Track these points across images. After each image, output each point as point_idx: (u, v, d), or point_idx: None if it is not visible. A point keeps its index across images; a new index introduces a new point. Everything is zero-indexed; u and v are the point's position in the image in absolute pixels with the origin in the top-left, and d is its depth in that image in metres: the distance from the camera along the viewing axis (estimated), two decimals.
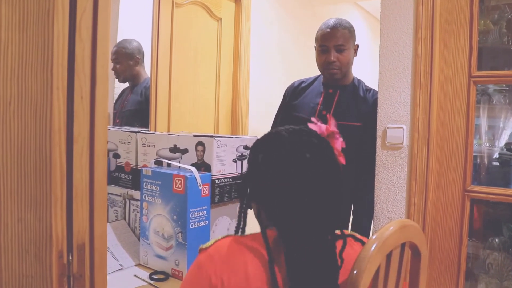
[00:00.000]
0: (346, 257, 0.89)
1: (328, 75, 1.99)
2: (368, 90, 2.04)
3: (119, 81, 2.29)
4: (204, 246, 0.93)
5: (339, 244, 0.91)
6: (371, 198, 1.88)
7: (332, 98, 2.00)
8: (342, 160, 0.97)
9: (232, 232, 1.50)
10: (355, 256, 0.97)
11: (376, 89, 1.98)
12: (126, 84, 2.34)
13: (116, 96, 2.30)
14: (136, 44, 2.27)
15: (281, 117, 2.18)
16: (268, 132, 1.01)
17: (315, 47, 2.04)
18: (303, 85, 2.13)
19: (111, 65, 2.23)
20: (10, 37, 0.66)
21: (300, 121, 2.01)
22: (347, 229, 1.76)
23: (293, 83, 2.18)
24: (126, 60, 2.24)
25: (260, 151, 0.96)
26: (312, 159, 0.90)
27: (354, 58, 2.06)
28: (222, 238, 0.94)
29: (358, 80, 2.08)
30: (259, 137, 1.02)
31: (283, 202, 0.89)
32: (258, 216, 1.00)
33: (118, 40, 2.21)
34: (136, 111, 2.29)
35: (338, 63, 1.95)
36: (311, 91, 2.08)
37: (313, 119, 1.01)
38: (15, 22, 0.66)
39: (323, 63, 1.97)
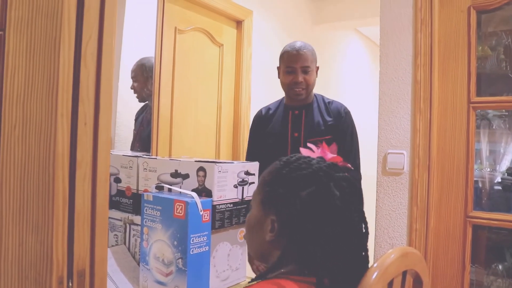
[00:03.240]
0: None
1: (293, 95, 2.06)
2: (330, 102, 2.10)
3: (138, 100, 2.30)
4: None
5: None
6: None
7: (300, 119, 2.07)
8: None
9: (232, 256, 1.49)
10: None
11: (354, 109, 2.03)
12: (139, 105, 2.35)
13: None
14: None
15: (253, 145, 2.21)
16: (299, 165, 0.93)
17: (278, 67, 2.11)
18: (270, 112, 2.19)
19: (130, 83, 2.25)
20: (17, 64, 0.67)
21: (272, 139, 2.05)
22: None
23: (260, 111, 2.23)
24: (144, 77, 2.27)
25: (303, 188, 0.90)
26: (353, 196, 0.90)
27: (323, 78, 2.14)
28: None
29: (319, 95, 2.14)
30: (286, 169, 0.94)
31: (329, 243, 0.86)
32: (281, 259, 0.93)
33: (121, 65, 2.24)
34: None
35: (305, 83, 2.02)
36: (278, 117, 2.14)
37: (309, 145, 1.01)
38: (22, 49, 0.67)
39: (290, 84, 2.04)
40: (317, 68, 2.11)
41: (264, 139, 2.15)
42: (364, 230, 0.91)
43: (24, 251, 0.66)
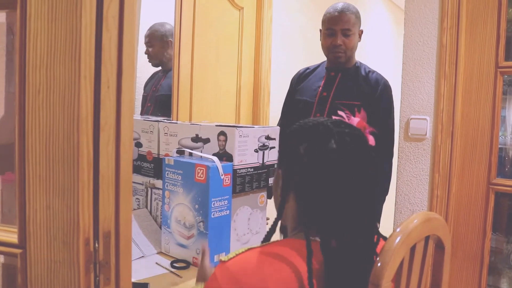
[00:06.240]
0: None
1: (333, 58, 2.04)
2: (371, 71, 2.06)
3: (152, 65, 2.30)
4: (224, 258, 0.86)
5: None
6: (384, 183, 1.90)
7: (334, 81, 2.05)
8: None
9: (253, 220, 1.51)
10: None
11: (385, 75, 2.02)
12: (154, 69, 2.34)
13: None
14: (168, 27, 2.28)
15: (289, 104, 2.23)
16: (305, 122, 0.93)
17: (320, 30, 2.08)
18: (307, 71, 2.20)
19: (144, 48, 2.24)
20: (39, 27, 0.67)
21: (301, 103, 2.05)
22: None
23: (299, 71, 2.25)
24: (159, 43, 2.26)
25: (301, 142, 0.90)
26: (357, 151, 0.87)
27: (359, 43, 2.10)
28: (244, 251, 0.87)
29: (360, 63, 2.11)
30: (295, 126, 0.94)
31: (328, 196, 0.85)
32: (289, 211, 0.94)
33: (141, 29, 2.22)
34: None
35: (344, 47, 1.99)
36: (314, 76, 2.14)
37: (339, 112, 0.99)
38: (44, 12, 0.66)
39: (329, 46, 2.02)
40: (361, 31, 2.06)
41: (294, 95, 2.17)
42: (371, 193, 0.89)
43: (51, 214, 0.68)
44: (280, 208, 0.93)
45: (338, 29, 1.96)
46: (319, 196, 0.86)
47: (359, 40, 2.07)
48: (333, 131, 0.87)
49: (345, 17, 1.96)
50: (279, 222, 0.95)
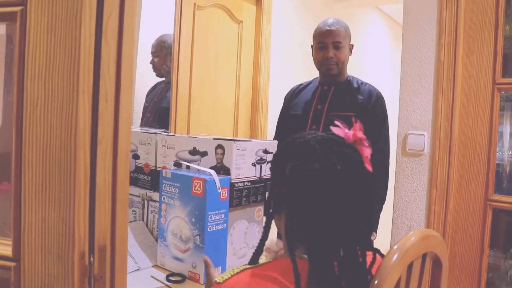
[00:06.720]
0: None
1: (325, 71, 2.08)
2: (363, 83, 2.11)
3: (156, 75, 2.31)
4: (219, 280, 0.85)
5: (368, 259, 0.88)
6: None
7: (327, 94, 2.10)
8: (369, 167, 0.91)
9: (249, 234, 1.50)
10: None
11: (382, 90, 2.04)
12: (155, 78, 2.34)
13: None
14: None
15: (283, 120, 2.26)
16: (293, 140, 0.92)
17: (312, 45, 2.14)
18: (300, 87, 2.25)
19: (149, 58, 2.25)
20: (39, 40, 0.67)
21: (295, 118, 2.05)
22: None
23: (292, 88, 2.29)
24: (164, 54, 2.27)
25: (287, 161, 0.89)
26: (344, 171, 0.84)
27: (357, 59, 2.14)
28: (238, 272, 0.85)
29: (352, 76, 2.16)
30: (283, 144, 0.94)
31: (312, 217, 0.83)
32: (281, 230, 0.94)
33: (140, 42, 2.23)
34: None
35: (336, 59, 2.04)
36: (307, 91, 2.19)
37: (336, 122, 0.97)
38: (43, 26, 0.66)
39: (321, 59, 2.07)
40: (351, 45, 2.12)
41: (289, 111, 2.20)
42: (364, 212, 0.87)
43: (46, 227, 0.67)
44: (266, 225, 0.94)
45: (329, 42, 2.02)
46: (305, 217, 0.85)
47: (350, 54, 2.12)
48: (318, 152, 0.85)
49: (335, 30, 2.02)
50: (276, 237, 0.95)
